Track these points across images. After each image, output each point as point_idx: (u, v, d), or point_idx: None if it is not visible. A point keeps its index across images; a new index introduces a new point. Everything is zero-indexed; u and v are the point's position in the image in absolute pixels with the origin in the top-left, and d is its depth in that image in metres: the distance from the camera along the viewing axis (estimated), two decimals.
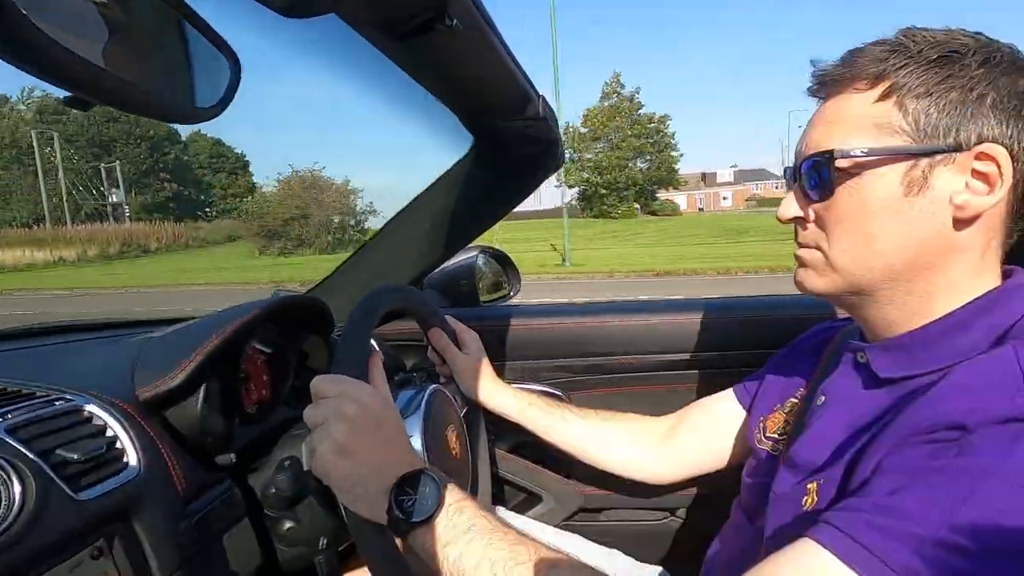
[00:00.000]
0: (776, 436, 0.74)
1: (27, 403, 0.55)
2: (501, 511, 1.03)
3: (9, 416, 0.52)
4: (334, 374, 0.58)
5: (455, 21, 0.52)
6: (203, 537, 0.61)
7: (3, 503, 0.45)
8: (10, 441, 0.49)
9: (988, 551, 0.41)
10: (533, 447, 1.15)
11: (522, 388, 0.96)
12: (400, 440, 0.59)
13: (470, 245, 1.41)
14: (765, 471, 0.71)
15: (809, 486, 0.57)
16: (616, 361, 1.17)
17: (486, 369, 0.91)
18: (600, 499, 1.11)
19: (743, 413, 0.85)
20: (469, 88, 0.72)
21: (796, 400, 0.75)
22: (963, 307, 0.54)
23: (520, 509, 1.12)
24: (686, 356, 1.15)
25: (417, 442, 0.67)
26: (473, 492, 0.82)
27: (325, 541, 0.69)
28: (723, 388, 0.89)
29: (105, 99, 0.36)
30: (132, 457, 0.56)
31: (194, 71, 0.46)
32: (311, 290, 1.15)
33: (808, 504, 0.56)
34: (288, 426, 0.79)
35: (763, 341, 1.08)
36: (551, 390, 1.17)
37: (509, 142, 0.93)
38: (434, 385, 0.76)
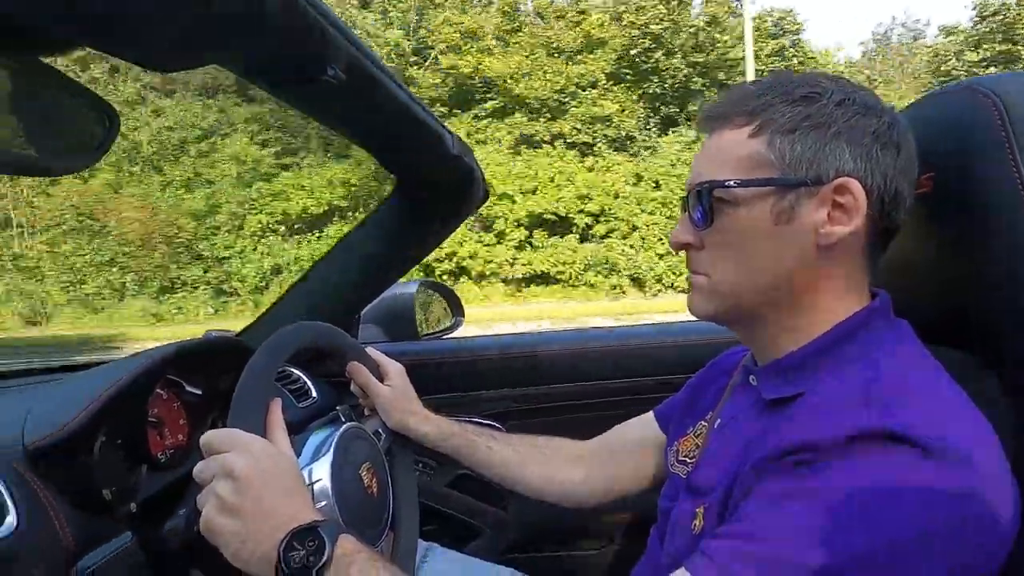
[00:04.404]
0: (687, 460, 0.76)
1: None
2: (436, 547, 1.02)
3: None
4: (226, 428, 0.58)
5: (336, 72, 0.54)
6: None
7: None
8: None
9: (845, 567, 0.43)
10: (472, 480, 1.14)
11: (457, 420, 0.97)
12: (295, 493, 0.58)
13: (413, 279, 1.42)
14: (676, 495, 0.73)
15: (697, 510, 0.59)
16: (554, 390, 1.19)
17: (409, 400, 0.91)
18: (538, 532, 1.11)
19: (662, 436, 0.87)
20: (373, 130, 0.74)
21: (705, 423, 0.77)
22: (830, 330, 0.57)
23: (458, 543, 1.11)
24: (624, 382, 1.17)
25: (326, 486, 0.66)
26: (393, 528, 0.81)
27: None
28: None
29: None
30: (11, 512, 0.54)
31: (65, 128, 0.48)
32: (242, 332, 1.14)
33: (696, 528, 0.58)
34: None
35: (699, 365, 1.11)
36: (488, 421, 1.17)
37: (428, 180, 0.95)
38: (347, 423, 0.75)
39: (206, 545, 0.59)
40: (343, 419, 0.85)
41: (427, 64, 14.56)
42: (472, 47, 13.84)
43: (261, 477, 0.55)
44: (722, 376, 0.79)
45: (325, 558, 0.52)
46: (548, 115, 13.44)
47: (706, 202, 0.59)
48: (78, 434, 0.62)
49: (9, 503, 0.55)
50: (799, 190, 0.55)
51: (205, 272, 12.84)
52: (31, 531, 0.55)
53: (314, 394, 1.08)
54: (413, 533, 0.87)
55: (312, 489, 0.66)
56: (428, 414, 0.93)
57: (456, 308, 1.50)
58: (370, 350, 0.92)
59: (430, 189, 0.99)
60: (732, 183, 0.57)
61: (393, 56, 14.14)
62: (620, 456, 0.91)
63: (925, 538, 0.42)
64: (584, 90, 13.45)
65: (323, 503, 0.65)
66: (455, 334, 1.46)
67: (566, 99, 13.41)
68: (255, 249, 12.74)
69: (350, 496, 0.69)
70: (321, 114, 0.67)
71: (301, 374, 1.10)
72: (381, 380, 0.91)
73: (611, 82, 13.61)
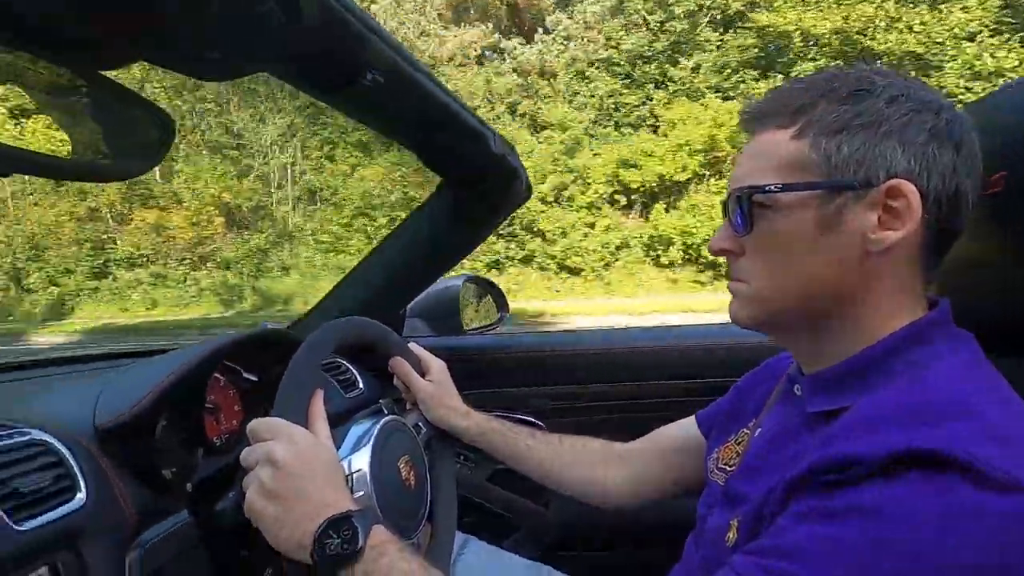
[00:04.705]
0: (727, 467, 0.73)
1: None
2: (474, 539, 1.04)
3: None
4: (271, 417, 0.61)
5: (374, 76, 0.56)
6: (154, 565, 0.63)
7: None
8: None
9: None
10: (514, 476, 1.15)
11: (496, 416, 0.97)
12: (333, 482, 0.60)
13: (458, 273, 1.45)
14: (714, 503, 0.71)
15: (732, 522, 0.57)
16: (597, 389, 1.18)
17: (449, 395, 0.93)
18: (576, 530, 1.10)
19: (704, 441, 0.85)
20: (415, 131, 0.76)
21: (747, 430, 0.74)
22: (880, 341, 0.54)
23: (495, 538, 1.12)
24: (669, 384, 1.15)
25: (365, 476, 0.69)
26: (429, 520, 0.83)
27: (271, 572, 0.71)
28: None
29: (23, 170, 0.40)
30: (82, 488, 0.59)
31: (127, 135, 0.51)
32: (293, 324, 1.19)
33: (730, 540, 0.56)
34: None
35: (747, 369, 1.07)
36: (529, 418, 1.18)
37: (472, 178, 0.96)
38: (389, 416, 0.78)
39: (253, 527, 0.63)
40: (385, 412, 0.87)
41: (732, 24, 12.65)
42: (783, 3, 12.02)
43: (301, 465, 0.58)
44: (770, 380, 0.76)
45: (358, 547, 0.54)
46: (913, 73, 11.94)
47: (746, 207, 0.57)
48: (142, 416, 0.67)
49: (80, 479, 0.60)
50: (846, 194, 0.52)
51: (549, 246, 11.51)
52: (98, 505, 0.60)
53: (361, 386, 1.11)
54: (450, 527, 0.89)
55: (351, 479, 0.68)
56: (468, 410, 0.94)
57: (501, 304, 1.51)
58: (412, 345, 0.94)
59: (475, 187, 1.00)
60: (773, 188, 0.55)
61: (683, 16, 12.61)
62: (660, 460, 0.89)
63: (960, 569, 0.39)
64: (960, 42, 11.25)
65: (361, 493, 0.68)
66: (498, 330, 1.48)
67: (936, 53, 11.35)
68: (593, 225, 11.03)
69: (388, 487, 0.71)
70: (363, 116, 0.69)
71: (349, 366, 1.14)
72: (423, 375, 0.93)
73: (990, 33, 11.35)
